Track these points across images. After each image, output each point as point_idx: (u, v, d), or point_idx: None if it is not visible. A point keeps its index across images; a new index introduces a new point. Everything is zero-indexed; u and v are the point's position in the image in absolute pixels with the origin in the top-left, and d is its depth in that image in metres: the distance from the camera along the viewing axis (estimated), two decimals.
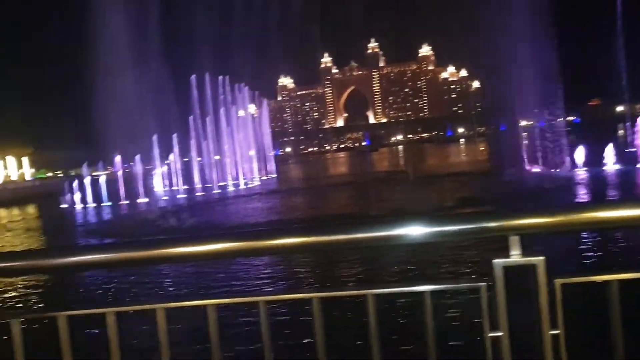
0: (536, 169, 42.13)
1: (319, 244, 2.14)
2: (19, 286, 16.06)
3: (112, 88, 69.04)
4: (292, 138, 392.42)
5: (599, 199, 25.72)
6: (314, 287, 13.57)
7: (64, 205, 55.60)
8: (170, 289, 14.55)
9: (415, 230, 2.04)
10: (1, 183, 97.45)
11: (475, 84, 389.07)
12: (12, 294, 15.52)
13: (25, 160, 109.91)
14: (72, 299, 14.32)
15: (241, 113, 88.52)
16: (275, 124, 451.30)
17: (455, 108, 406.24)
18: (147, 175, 68.31)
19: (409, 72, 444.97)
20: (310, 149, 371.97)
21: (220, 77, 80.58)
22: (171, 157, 74.41)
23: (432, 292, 2.17)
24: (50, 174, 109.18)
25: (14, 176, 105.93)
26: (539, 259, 2.12)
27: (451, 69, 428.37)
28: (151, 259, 2.19)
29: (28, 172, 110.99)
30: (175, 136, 71.88)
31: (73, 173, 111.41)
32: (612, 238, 15.09)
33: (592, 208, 2.16)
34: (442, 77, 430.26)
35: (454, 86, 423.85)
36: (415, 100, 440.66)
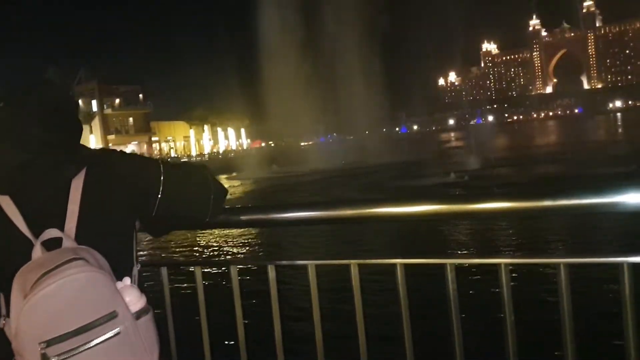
0: None
1: (524, 210, 2.10)
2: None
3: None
4: (495, 106, 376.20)
5: None
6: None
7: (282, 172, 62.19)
8: None
9: (632, 198, 1.89)
10: (222, 151, 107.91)
11: None
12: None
13: (242, 131, 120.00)
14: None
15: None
16: (477, 92, 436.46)
17: None
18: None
19: (630, 31, 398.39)
20: (514, 117, 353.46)
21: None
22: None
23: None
24: (263, 144, 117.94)
25: (233, 145, 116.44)
26: None
27: None
28: (359, 218, 2.33)
29: (245, 142, 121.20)
30: None
31: (283, 143, 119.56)
32: None
33: None
34: None
35: None
36: (639, 63, 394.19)
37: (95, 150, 1.95)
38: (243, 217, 2.45)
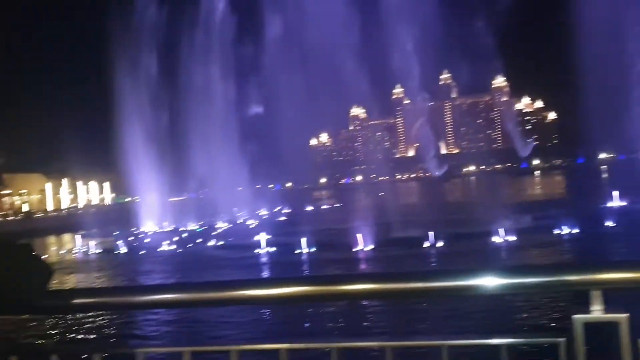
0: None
1: (393, 291, 2.09)
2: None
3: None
4: (363, 167, 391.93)
5: None
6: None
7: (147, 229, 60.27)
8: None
9: (490, 282, 1.95)
10: (82, 207, 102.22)
11: (552, 115, 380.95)
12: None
13: (106, 185, 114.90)
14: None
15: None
16: (346, 153, 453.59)
17: (530, 140, 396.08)
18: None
19: (482, 103, 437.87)
20: (380, 178, 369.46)
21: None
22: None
23: (508, 346, 2.09)
24: (128, 199, 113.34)
25: (95, 200, 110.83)
26: (622, 317, 1.97)
27: (526, 100, 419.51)
28: (223, 301, 2.20)
29: (109, 197, 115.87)
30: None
31: (151, 198, 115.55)
32: None
33: None
34: (516, 108, 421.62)
35: (528, 117, 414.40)
36: (488, 132, 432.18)
37: None
38: (74, 301, 1.98)
